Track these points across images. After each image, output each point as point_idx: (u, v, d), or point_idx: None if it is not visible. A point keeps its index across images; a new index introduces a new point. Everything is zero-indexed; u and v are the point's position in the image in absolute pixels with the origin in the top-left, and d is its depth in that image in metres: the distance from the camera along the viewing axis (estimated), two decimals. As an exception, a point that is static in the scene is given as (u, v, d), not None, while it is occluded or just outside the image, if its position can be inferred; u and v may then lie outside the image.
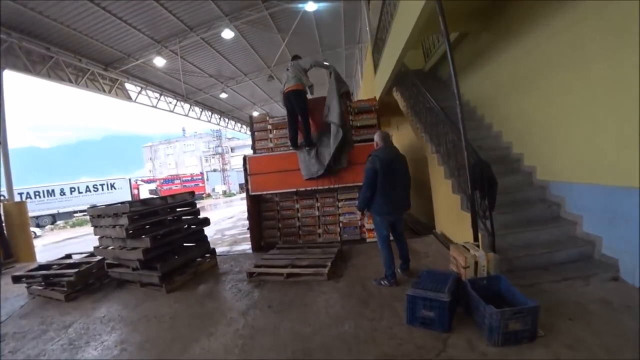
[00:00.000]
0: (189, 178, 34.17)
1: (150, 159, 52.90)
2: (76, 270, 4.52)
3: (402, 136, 11.09)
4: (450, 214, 5.28)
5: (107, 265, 4.74)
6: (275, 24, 11.64)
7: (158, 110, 15.48)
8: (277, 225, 6.54)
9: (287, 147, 6.39)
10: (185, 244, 5.05)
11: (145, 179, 32.70)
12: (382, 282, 3.75)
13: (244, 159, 5.98)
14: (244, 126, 25.72)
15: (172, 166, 51.27)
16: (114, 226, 4.31)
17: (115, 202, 4.96)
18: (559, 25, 4.18)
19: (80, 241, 14.95)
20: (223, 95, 16.77)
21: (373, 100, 6.57)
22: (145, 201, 4.68)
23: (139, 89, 14.14)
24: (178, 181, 32.56)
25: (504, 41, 5.52)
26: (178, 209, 5.07)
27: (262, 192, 6.10)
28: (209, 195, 37.91)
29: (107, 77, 12.13)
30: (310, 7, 10.41)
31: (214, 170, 45.91)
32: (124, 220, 4.13)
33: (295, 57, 6.34)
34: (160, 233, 4.34)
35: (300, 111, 5.83)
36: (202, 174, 37.34)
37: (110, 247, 4.61)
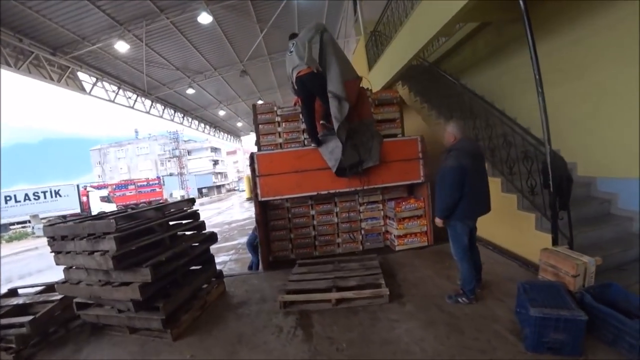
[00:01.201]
0: (145, 183, 30.85)
1: (99, 163, 47.25)
2: (31, 317, 3.02)
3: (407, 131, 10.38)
4: (499, 216, 4.50)
5: (77, 306, 3.28)
6: (255, 12, 10.34)
7: (115, 105, 13.18)
8: (288, 235, 5.35)
9: (298, 144, 5.24)
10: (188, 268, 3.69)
11: (95, 184, 28.95)
12: (460, 300, 3.15)
13: (252, 156, 4.72)
14: (207, 126, 23.68)
15: (124, 171, 46.20)
16: (91, 253, 2.90)
17: (61, 211, 3.47)
18: (602, 23, 4.08)
19: (21, 259, 12.33)
20: (190, 91, 14.86)
21: (395, 91, 5.67)
22: (133, 215, 3.25)
23: (95, 79, 11.85)
24: (133, 187, 29.22)
25: (538, 34, 4.90)
26: (176, 223, 3.69)
27: (274, 198, 4.86)
28: (166, 201, 34.80)
29: (55, 63, 9.85)
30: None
31: (170, 175, 42.35)
32: (109, 244, 2.74)
33: (294, 36, 5.12)
34: (163, 259, 2.98)
35: (322, 95, 4.67)
36: (159, 178, 34.05)
37: (83, 283, 3.14)
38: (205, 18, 9.15)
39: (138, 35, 9.68)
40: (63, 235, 3.15)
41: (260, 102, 19.52)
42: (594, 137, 4.35)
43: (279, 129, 5.24)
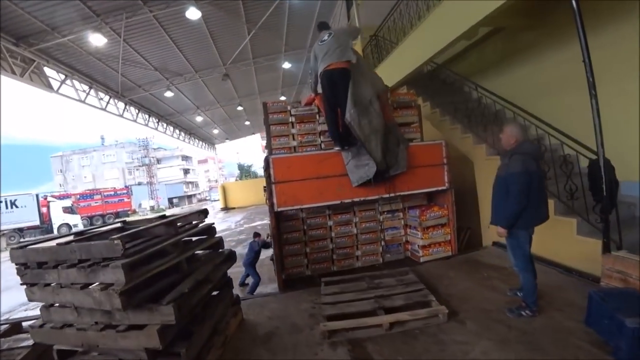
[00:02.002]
0: (112, 192, 28.40)
1: (61, 171, 43.02)
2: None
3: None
4: None
5: (58, 354, 2.40)
6: (245, 11, 9.63)
7: (79, 109, 11.71)
8: (303, 250, 4.66)
9: (314, 147, 4.62)
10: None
11: (56, 194, 26.26)
12: (524, 313, 2.87)
13: (267, 160, 4.01)
14: (182, 133, 22.28)
15: (88, 179, 42.22)
16: (85, 286, 2.08)
17: (18, 223, 2.68)
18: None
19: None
20: (168, 94, 13.65)
21: (412, 94, 5.23)
22: (138, 233, 2.42)
23: (63, 76, 10.40)
24: (99, 196, 26.74)
25: (557, 40, 4.89)
26: (188, 239, 2.90)
27: (292, 207, 4.16)
28: (134, 212, 32.35)
29: (18, 55, 8.47)
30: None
31: (139, 184, 39.53)
32: (114, 275, 1.95)
33: (324, 26, 4.58)
34: (186, 290, 2.21)
35: (343, 97, 4.06)
36: (127, 187, 31.60)
37: (70, 327, 2.28)
38: (193, 13, 8.30)
39: (116, 29, 8.61)
40: (40, 261, 2.30)
41: (199, 118, 18.73)
42: (613, 143, 4.12)
43: (293, 131, 4.58)
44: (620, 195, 4.05)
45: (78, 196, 26.27)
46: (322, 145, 4.63)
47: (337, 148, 4.17)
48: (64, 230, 20.79)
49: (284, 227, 4.58)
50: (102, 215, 26.84)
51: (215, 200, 50.76)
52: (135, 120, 15.19)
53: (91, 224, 25.57)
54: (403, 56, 6.49)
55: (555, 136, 4.10)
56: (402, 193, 4.52)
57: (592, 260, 3.49)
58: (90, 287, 2.05)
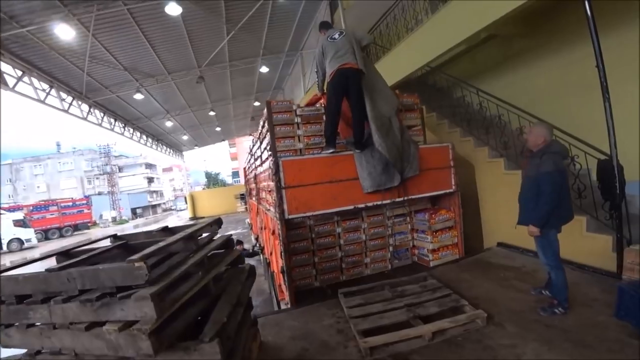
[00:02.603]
0: (70, 203, 25.80)
1: (10, 180, 38.29)
2: None
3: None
4: None
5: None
6: (226, 11, 9.10)
7: (46, 106, 10.32)
8: (311, 260, 4.26)
9: (321, 149, 4.27)
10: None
11: (5, 206, 23.41)
12: (557, 310, 2.84)
13: (276, 163, 3.59)
14: (149, 138, 20.89)
15: (42, 189, 37.90)
16: (92, 326, 1.57)
17: None
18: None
19: None
20: (138, 97, 12.59)
21: (416, 97, 5.07)
22: (160, 249, 1.87)
23: (20, 73, 9.12)
24: (55, 208, 24.10)
25: (551, 48, 5.03)
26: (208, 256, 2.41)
27: (304, 215, 3.76)
28: (95, 224, 29.80)
29: None
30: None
31: (99, 194, 36.47)
32: (139, 309, 1.46)
33: (327, 25, 4.42)
34: (224, 319, 1.75)
35: (359, 99, 3.92)
36: (87, 197, 28.96)
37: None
38: (173, 9, 7.63)
39: (85, 22, 7.69)
40: (21, 294, 1.75)
41: (168, 123, 17.73)
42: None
43: (299, 132, 4.19)
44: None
45: (31, 208, 23.61)
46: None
47: (330, 150, 3.87)
48: (15, 245, 18.58)
49: (291, 236, 4.15)
50: (59, 228, 24.37)
51: (181, 210, 48.43)
52: (100, 124, 13.87)
53: (46, 238, 23.09)
54: (398, 60, 6.38)
55: (562, 138, 4.09)
56: (413, 196, 4.30)
57: (603, 256, 3.55)
58: (101, 327, 1.54)
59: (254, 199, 8.20)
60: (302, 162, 3.74)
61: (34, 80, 9.54)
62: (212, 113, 18.07)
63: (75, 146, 43.76)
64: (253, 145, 7.44)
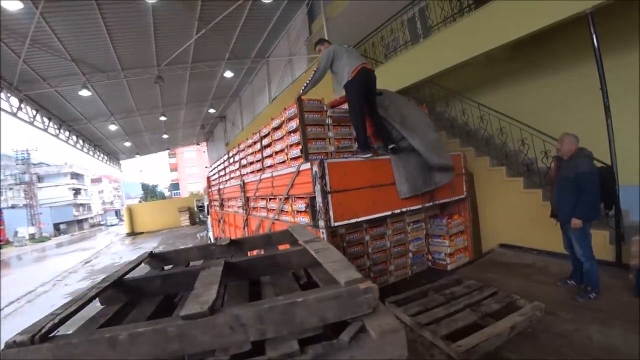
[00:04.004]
0: (-27, 219, 21.29)
1: None
2: None
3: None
4: (530, 223, 4.87)
5: None
6: (202, 6, 8.40)
7: None
8: (342, 270, 3.94)
9: (350, 154, 4.05)
10: None
11: None
12: (591, 295, 3.23)
13: (322, 164, 3.27)
14: (86, 143, 18.32)
15: None
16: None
17: None
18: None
19: None
20: (84, 93, 10.80)
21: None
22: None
23: None
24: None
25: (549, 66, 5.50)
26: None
27: (349, 221, 3.48)
28: (8, 242, 24.88)
29: None
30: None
31: (12, 207, 30.60)
32: (391, 348, 0.98)
33: (325, 41, 4.43)
34: None
35: (375, 100, 3.96)
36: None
37: None
38: (147, -5, 6.74)
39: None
40: None
41: (111, 127, 16.06)
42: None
43: (330, 134, 3.92)
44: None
45: None
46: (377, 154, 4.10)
47: (367, 155, 3.71)
48: None
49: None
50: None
51: (112, 225, 43.18)
52: (31, 123, 11.64)
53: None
54: (394, 72, 6.46)
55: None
56: (440, 201, 4.32)
57: (602, 248, 3.92)
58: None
59: (225, 209, 7.59)
60: (346, 165, 3.48)
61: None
62: (163, 118, 16.50)
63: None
64: (232, 155, 6.89)
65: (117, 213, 50.13)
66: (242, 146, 6.15)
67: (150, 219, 25.44)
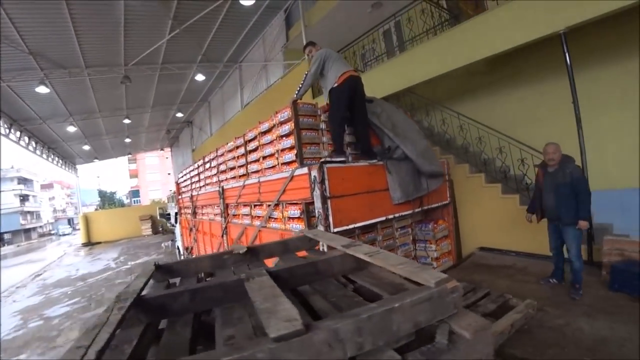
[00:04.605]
0: None
1: None
2: None
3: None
4: (508, 227, 5.10)
5: None
6: (178, 4, 7.99)
7: None
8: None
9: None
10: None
11: None
12: (580, 291, 3.43)
13: (321, 168, 3.14)
14: (39, 145, 16.73)
15: None
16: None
17: None
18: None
19: None
20: (42, 90, 9.75)
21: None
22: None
23: None
24: None
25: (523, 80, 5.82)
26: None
27: (347, 227, 3.37)
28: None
29: None
30: (246, 1, 7.74)
31: None
32: None
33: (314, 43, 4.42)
34: None
35: (364, 107, 4.01)
36: None
37: None
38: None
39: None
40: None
41: (70, 129, 15.01)
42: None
43: (324, 139, 3.81)
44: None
45: None
46: (350, 158, 4.01)
47: (341, 158, 3.66)
48: None
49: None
50: None
51: (65, 235, 39.56)
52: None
53: None
54: (373, 80, 6.51)
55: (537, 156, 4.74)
56: (430, 206, 4.36)
57: None
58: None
59: (199, 217, 7.22)
60: (344, 171, 3.39)
61: None
62: (127, 121, 15.48)
63: None
64: (208, 160, 6.56)
65: (71, 222, 46.09)
66: (220, 151, 5.85)
67: (109, 227, 23.70)
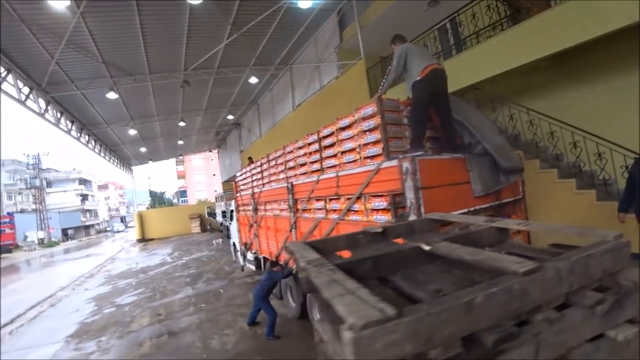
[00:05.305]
0: (-11, 222, 21.17)
1: None
2: None
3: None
4: (583, 223, 4.56)
5: None
6: (237, 10, 8.49)
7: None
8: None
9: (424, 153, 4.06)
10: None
11: None
12: None
13: (413, 160, 3.26)
14: (103, 148, 18.36)
15: None
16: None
17: None
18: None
19: None
20: (111, 96, 10.84)
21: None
22: None
23: None
24: (-35, 228, 19.49)
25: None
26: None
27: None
28: (17, 247, 24.68)
29: None
30: (305, 3, 8.08)
31: (21, 212, 30.34)
32: None
33: (404, 38, 4.34)
34: None
35: (448, 101, 4.01)
36: (10, 215, 23.94)
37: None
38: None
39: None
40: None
41: (132, 131, 16.10)
42: None
43: (407, 134, 3.92)
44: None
45: None
46: (430, 152, 4.09)
47: (419, 152, 3.63)
48: None
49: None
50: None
51: (118, 232, 42.91)
52: (57, 125, 11.70)
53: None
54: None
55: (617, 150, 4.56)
56: (504, 200, 4.29)
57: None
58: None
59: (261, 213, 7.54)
60: (432, 163, 3.47)
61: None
62: (182, 124, 16.57)
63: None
64: (273, 158, 6.85)
65: (123, 219, 49.97)
66: (289, 148, 6.13)
67: (161, 225, 25.35)
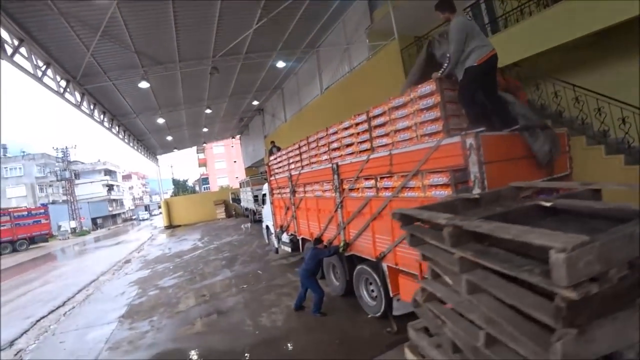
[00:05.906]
0: (25, 213, 22.37)
1: None
2: None
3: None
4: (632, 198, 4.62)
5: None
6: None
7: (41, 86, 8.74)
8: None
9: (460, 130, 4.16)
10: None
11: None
12: None
13: (477, 137, 3.41)
14: (131, 137, 18.93)
15: None
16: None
17: None
18: None
19: None
20: (143, 85, 11.09)
21: (517, 81, 5.24)
22: None
23: (17, 41, 7.42)
24: (7, 218, 20.70)
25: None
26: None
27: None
28: (52, 236, 26.18)
29: None
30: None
31: (53, 203, 31.95)
32: None
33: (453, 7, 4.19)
34: None
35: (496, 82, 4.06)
36: (45, 206, 25.32)
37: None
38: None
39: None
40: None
41: (161, 120, 16.37)
42: None
43: (464, 111, 4.03)
44: None
45: (-26, 218, 20.07)
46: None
47: (479, 129, 3.57)
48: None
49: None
50: (12, 242, 20.99)
51: (143, 220, 44.66)
52: (91, 116, 12.20)
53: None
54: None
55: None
56: (561, 174, 4.36)
57: None
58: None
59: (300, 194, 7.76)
60: (491, 139, 3.58)
61: (28, 53, 7.89)
62: (208, 111, 16.89)
63: (24, 150, 38.08)
64: (314, 140, 6.98)
65: (147, 208, 51.91)
66: (332, 129, 6.27)
67: (187, 212, 26.14)
